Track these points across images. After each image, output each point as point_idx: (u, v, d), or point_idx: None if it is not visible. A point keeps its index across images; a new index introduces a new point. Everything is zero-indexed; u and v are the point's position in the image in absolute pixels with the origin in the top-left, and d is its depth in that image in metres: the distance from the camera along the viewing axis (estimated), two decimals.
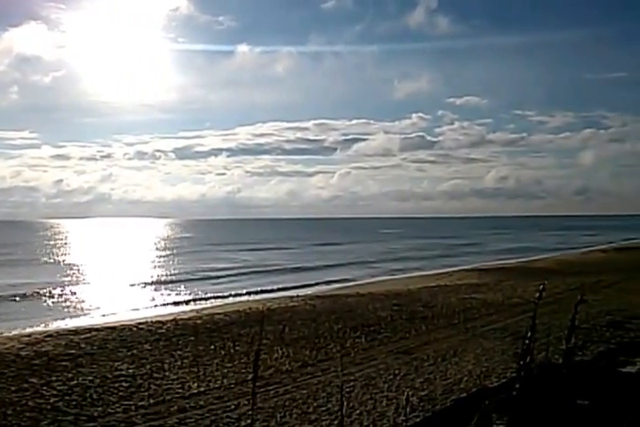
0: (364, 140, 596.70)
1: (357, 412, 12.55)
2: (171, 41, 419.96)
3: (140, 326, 21.99)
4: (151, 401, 13.21)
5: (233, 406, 12.98)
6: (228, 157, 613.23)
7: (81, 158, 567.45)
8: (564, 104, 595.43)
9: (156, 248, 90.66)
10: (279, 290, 37.52)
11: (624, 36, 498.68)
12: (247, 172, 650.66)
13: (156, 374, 15.35)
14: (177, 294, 36.72)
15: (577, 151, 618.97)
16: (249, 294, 36.02)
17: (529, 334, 3.65)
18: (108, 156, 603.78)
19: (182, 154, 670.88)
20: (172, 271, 51.10)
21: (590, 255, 58.96)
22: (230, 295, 35.22)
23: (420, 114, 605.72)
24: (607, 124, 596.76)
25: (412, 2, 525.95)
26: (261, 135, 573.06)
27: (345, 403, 13.02)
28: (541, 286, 3.81)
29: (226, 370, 15.77)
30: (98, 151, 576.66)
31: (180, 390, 14.03)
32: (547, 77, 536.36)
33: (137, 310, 30.50)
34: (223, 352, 17.72)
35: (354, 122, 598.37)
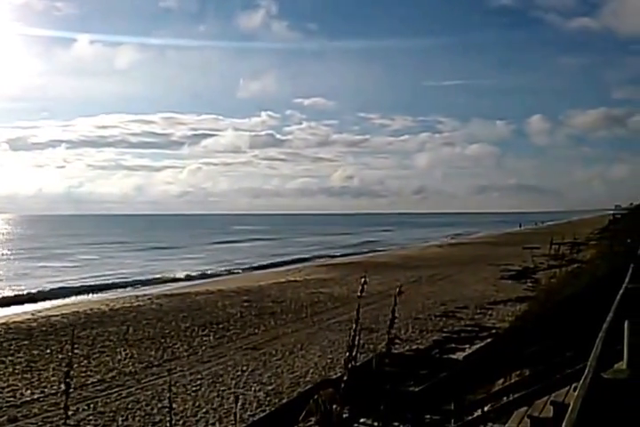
0: (213, 135, 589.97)
1: (204, 410, 12.45)
2: (3, 24, 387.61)
3: None
4: None
5: (71, 413, 12.30)
6: (68, 149, 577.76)
7: None
8: (404, 108, 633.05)
9: None
10: (123, 289, 36.04)
11: (460, 47, 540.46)
12: (89, 165, 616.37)
13: None
14: (8, 295, 33.93)
15: (414, 153, 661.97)
16: (90, 293, 34.21)
17: (354, 326, 3.82)
18: None
19: (17, 145, 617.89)
20: (3, 270, 47.27)
21: (428, 250, 62.83)
22: (69, 295, 33.21)
23: (270, 112, 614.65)
24: (441, 128, 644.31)
25: (254, 5, 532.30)
26: (104, 127, 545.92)
27: (193, 402, 12.91)
28: (363, 280, 3.98)
29: (63, 375, 14.90)
30: None
31: (11, 399, 13.07)
32: (388, 82, 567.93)
33: None
34: (61, 356, 16.70)
35: (203, 117, 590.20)
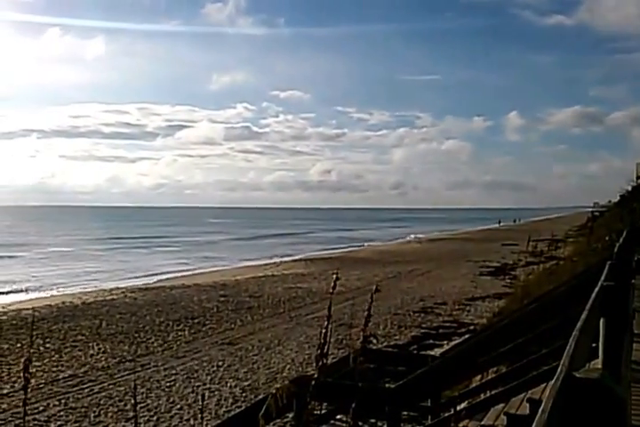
0: (188, 127, 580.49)
1: (178, 406, 12.29)
2: None
3: None
4: None
5: (42, 408, 12.14)
6: (39, 138, 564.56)
7: None
8: (382, 103, 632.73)
9: None
10: (96, 282, 35.51)
11: (435, 41, 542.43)
12: (62, 156, 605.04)
13: None
14: None
15: (392, 148, 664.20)
16: (63, 287, 33.65)
17: (325, 323, 3.70)
18: None
19: None
20: None
21: (407, 246, 62.98)
22: (41, 288, 32.66)
23: (245, 104, 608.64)
24: (419, 124, 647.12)
25: None
26: (77, 117, 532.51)
27: (167, 398, 12.75)
28: (335, 277, 3.87)
29: (34, 369, 14.60)
30: None
31: None
32: (366, 76, 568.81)
33: None
34: (32, 350, 16.41)
35: (177, 108, 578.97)
